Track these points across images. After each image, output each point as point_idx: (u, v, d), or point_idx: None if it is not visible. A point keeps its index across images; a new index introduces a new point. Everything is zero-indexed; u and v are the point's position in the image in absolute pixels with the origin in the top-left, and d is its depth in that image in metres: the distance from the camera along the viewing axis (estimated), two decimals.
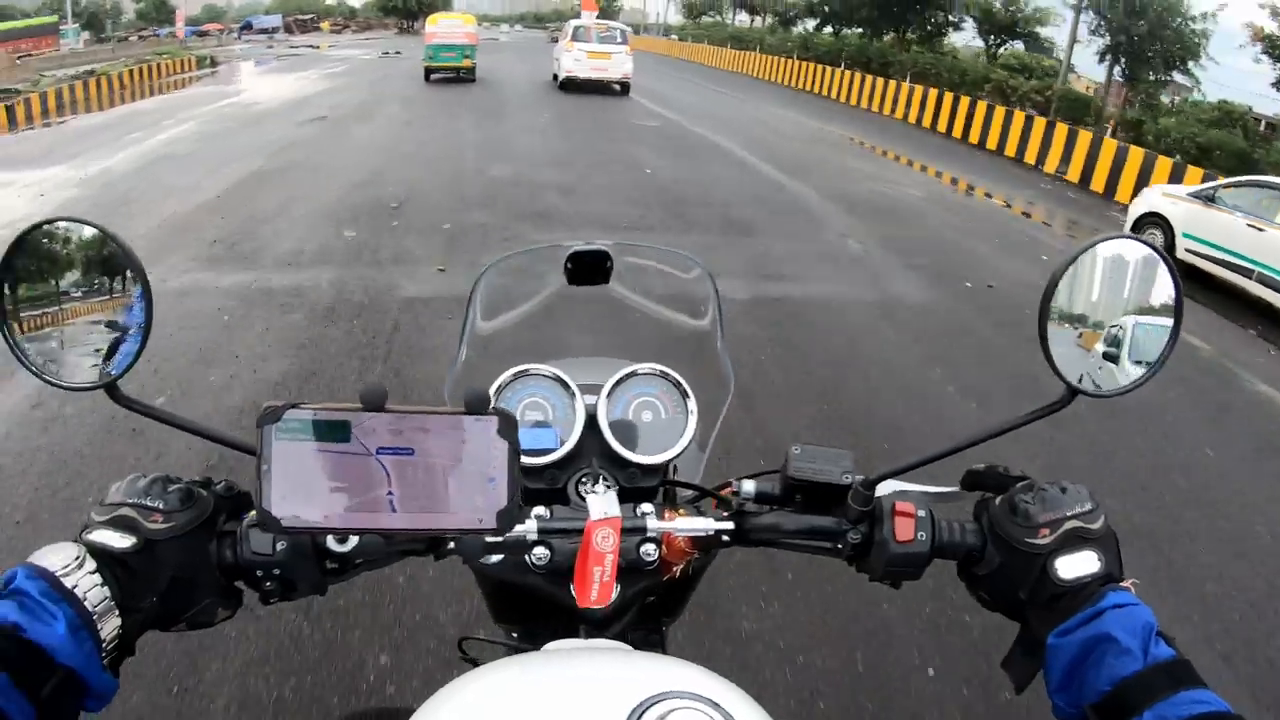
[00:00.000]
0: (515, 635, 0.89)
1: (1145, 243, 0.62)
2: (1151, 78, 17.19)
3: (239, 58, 27.55)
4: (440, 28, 17.48)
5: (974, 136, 14.09)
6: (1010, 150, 13.02)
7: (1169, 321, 0.62)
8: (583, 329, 1.27)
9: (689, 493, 0.77)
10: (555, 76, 16.83)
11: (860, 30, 25.26)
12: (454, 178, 7.73)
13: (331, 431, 0.48)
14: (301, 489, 0.49)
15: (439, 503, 0.50)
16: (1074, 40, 17.17)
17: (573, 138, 10.54)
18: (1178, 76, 17.16)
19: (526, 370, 0.79)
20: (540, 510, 0.68)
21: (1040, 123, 12.66)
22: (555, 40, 19.83)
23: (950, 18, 22.61)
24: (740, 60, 27.90)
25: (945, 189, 9.82)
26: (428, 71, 17.10)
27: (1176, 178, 9.21)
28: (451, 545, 0.65)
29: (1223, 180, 7.25)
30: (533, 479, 0.74)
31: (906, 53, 21.90)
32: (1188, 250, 6.76)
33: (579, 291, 0.95)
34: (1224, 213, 6.50)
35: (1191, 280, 6.18)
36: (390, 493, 0.49)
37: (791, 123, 14.52)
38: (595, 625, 0.70)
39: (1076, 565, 0.57)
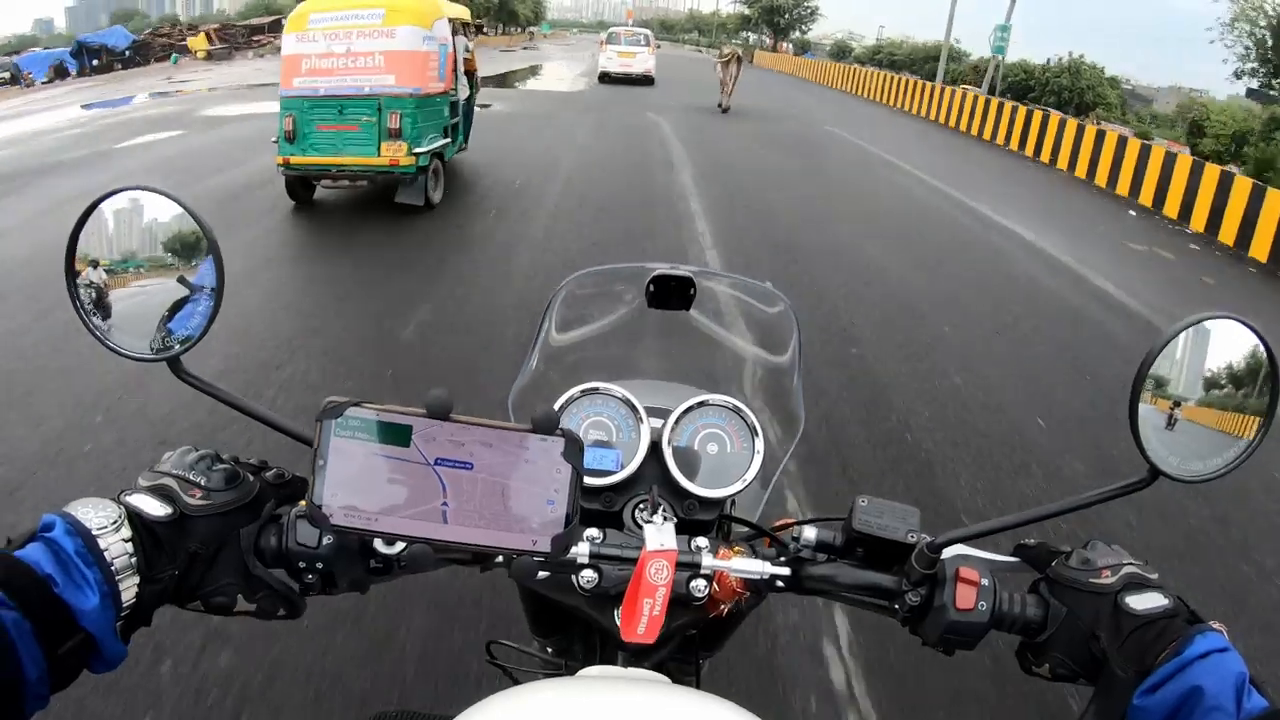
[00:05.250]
0: (550, 650, 0.88)
1: (1247, 324, 0.58)
2: None
3: None
4: (314, 41, 5.77)
5: None
6: None
7: (1263, 408, 0.59)
8: (657, 352, 1.26)
9: (744, 529, 0.75)
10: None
11: None
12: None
13: (392, 435, 0.48)
14: (354, 488, 0.48)
15: (493, 520, 0.49)
16: None
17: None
18: None
19: (595, 388, 0.77)
20: (593, 532, 0.66)
21: None
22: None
23: None
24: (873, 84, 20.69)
25: None
26: (290, 188, 6.23)
27: None
28: (499, 559, 0.63)
29: None
30: (588, 499, 0.73)
31: None
32: None
33: (657, 314, 0.92)
34: None
35: None
36: (445, 504, 0.48)
37: None
38: (634, 653, 0.69)
39: (1146, 601, 0.56)
